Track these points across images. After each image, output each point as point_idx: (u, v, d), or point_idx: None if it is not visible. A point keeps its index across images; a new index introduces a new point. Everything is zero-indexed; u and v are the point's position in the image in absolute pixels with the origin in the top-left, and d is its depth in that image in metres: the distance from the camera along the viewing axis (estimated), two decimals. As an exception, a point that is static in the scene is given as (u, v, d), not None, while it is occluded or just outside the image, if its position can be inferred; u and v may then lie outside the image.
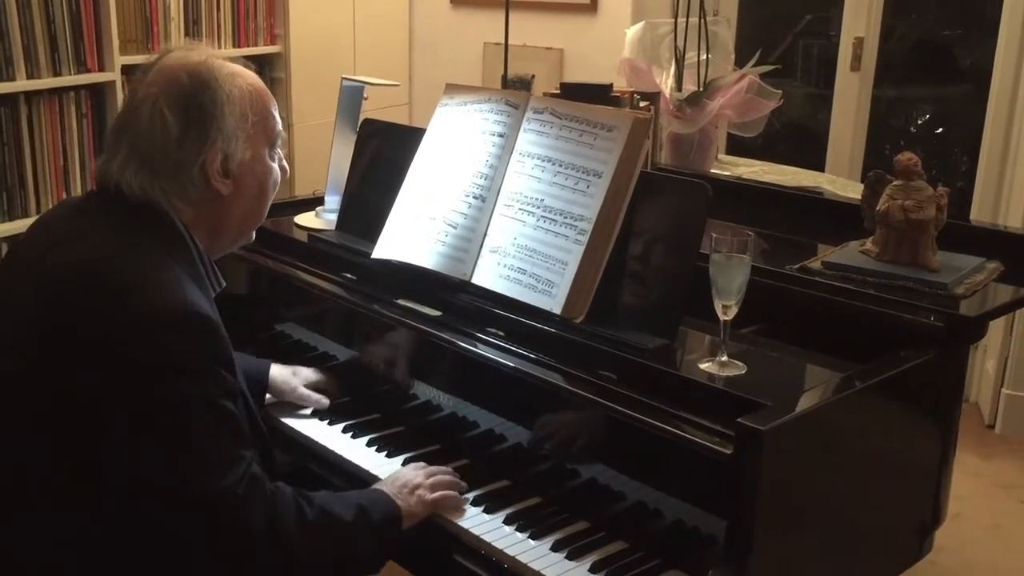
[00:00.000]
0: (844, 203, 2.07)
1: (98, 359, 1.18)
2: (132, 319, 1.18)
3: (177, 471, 1.18)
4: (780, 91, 2.37)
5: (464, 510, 1.41)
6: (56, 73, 2.75)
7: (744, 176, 2.41)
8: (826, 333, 1.49)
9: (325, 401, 1.71)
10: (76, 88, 2.83)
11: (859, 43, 3.47)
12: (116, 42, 2.90)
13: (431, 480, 1.42)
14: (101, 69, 2.89)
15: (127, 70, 3.00)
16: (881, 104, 3.84)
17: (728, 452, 1.17)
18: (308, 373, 1.75)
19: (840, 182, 2.49)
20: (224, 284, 1.40)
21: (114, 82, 2.91)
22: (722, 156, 2.74)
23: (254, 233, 1.47)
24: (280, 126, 1.41)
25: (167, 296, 1.21)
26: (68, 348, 1.19)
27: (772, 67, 2.39)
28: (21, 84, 2.66)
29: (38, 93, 2.72)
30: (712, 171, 2.41)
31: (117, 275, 1.21)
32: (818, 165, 3.60)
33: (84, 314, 1.19)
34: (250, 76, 1.38)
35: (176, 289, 1.23)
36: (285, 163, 1.44)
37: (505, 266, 1.57)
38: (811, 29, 4.34)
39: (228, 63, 1.37)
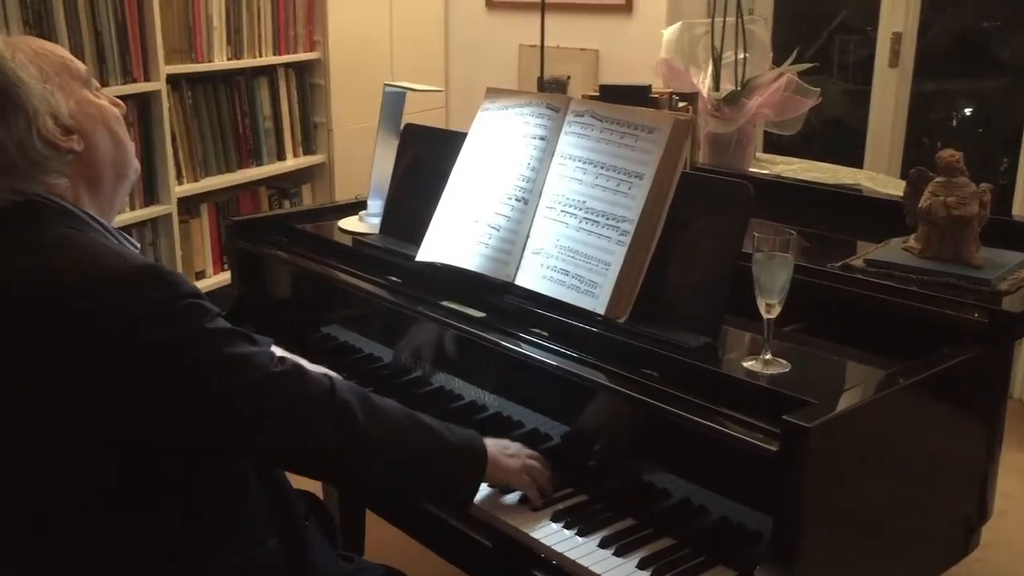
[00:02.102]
0: (884, 200, 2.06)
1: (85, 351, 1.16)
2: (99, 294, 1.16)
3: (214, 397, 1.20)
4: (819, 89, 2.37)
5: (537, 516, 1.42)
6: (104, 84, 2.81)
7: (783, 174, 2.42)
8: (869, 331, 1.50)
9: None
10: (123, 98, 2.89)
11: (897, 38, 3.45)
12: (161, 52, 2.97)
13: (528, 454, 1.46)
14: (147, 79, 2.96)
15: (172, 79, 3.07)
16: (920, 99, 3.81)
17: (774, 449, 1.18)
18: None
19: (880, 179, 2.49)
20: (139, 245, 1.40)
21: (160, 91, 2.97)
22: (760, 154, 2.74)
23: (135, 170, 1.41)
24: (77, 63, 1.34)
25: (113, 261, 1.19)
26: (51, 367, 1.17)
27: (810, 65, 2.39)
28: (70, 95, 2.72)
29: (87, 103, 2.78)
30: (750, 170, 2.42)
31: (60, 285, 1.18)
32: (856, 162, 3.59)
33: (58, 335, 1.16)
34: (22, 39, 1.33)
35: (112, 253, 1.22)
36: (116, 98, 1.38)
37: (548, 267, 1.59)
38: (847, 25, 4.31)
39: None
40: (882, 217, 1.86)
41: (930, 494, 1.46)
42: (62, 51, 1.34)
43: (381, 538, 2.02)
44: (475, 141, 1.79)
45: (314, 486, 2.28)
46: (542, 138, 1.67)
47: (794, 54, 2.43)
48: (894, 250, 1.66)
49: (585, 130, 1.62)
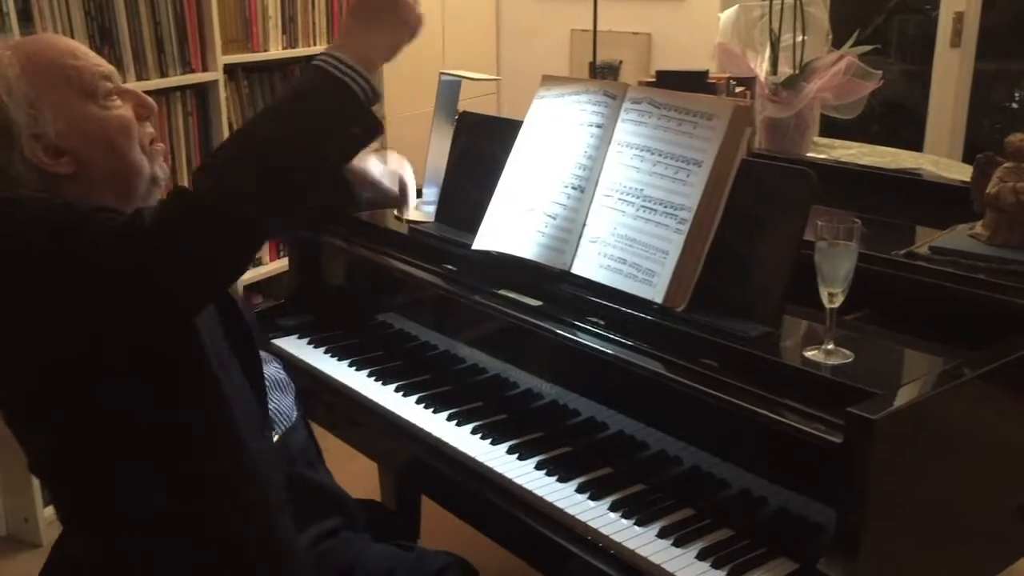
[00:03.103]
0: (948, 185, 2.02)
1: None
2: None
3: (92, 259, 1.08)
4: (880, 71, 2.32)
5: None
6: (163, 74, 2.85)
7: (842, 159, 2.37)
8: (934, 319, 1.47)
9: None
10: (182, 88, 2.93)
11: (959, 17, 3.36)
12: (218, 43, 3.00)
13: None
14: (205, 69, 2.99)
15: (229, 69, 3.10)
16: (982, 79, 3.72)
17: (838, 441, 1.17)
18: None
19: (943, 163, 2.43)
20: None
21: (217, 81, 3.01)
22: (817, 138, 2.69)
23: (162, 169, 1.33)
24: (91, 68, 1.26)
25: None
26: None
27: (871, 47, 2.34)
28: (131, 85, 2.76)
29: (147, 93, 2.82)
30: (808, 154, 2.38)
31: None
32: (915, 144, 3.51)
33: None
34: (28, 41, 1.28)
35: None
36: (144, 98, 1.30)
37: (605, 256, 1.58)
38: (906, 4, 4.22)
39: None
40: (945, 203, 1.82)
41: (996, 488, 1.43)
42: (70, 54, 1.26)
43: (438, 527, 2.03)
44: (531, 129, 1.78)
45: (372, 485, 2.30)
46: (599, 126, 1.66)
47: (855, 36, 2.38)
48: (960, 237, 1.62)
49: (643, 117, 1.61)
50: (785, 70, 2.34)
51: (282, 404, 1.55)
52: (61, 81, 1.24)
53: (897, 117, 4.28)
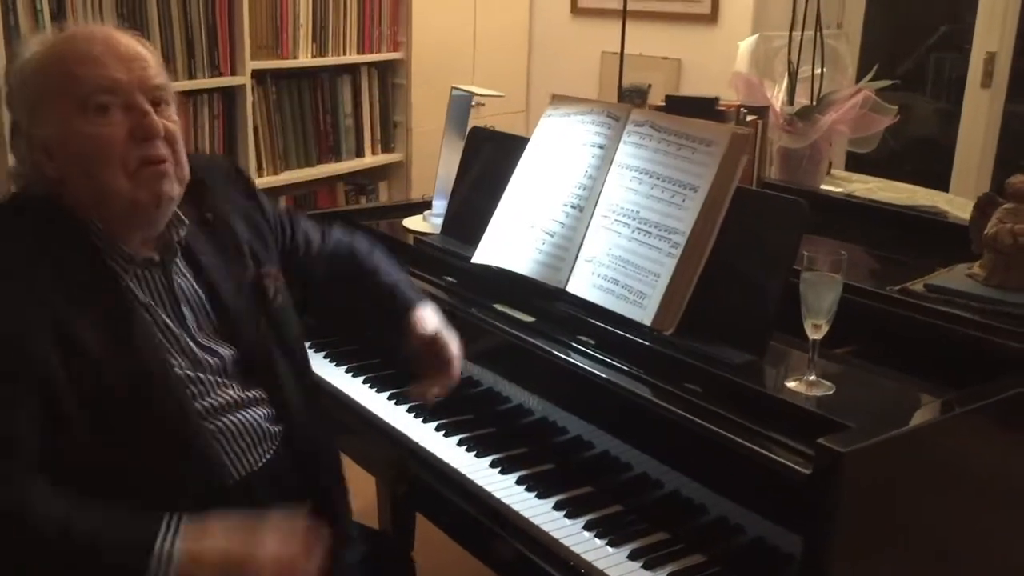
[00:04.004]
0: (958, 225, 2.00)
1: None
2: None
3: None
4: (896, 107, 2.31)
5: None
6: (191, 76, 2.91)
7: (856, 193, 2.36)
8: (925, 357, 1.46)
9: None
10: (209, 91, 2.99)
11: (990, 58, 3.34)
12: (248, 48, 3.05)
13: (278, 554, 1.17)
14: (233, 73, 3.05)
15: (257, 75, 3.15)
16: (1014, 121, 3.68)
17: (807, 472, 1.16)
18: None
19: (958, 202, 2.41)
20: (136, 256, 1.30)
21: (244, 86, 3.06)
22: (836, 171, 2.68)
23: (150, 193, 1.28)
24: (94, 79, 1.24)
25: None
26: None
27: (889, 83, 2.33)
28: (159, 86, 2.82)
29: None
30: (822, 187, 2.37)
31: None
32: (945, 183, 3.48)
33: None
34: (46, 40, 1.29)
35: None
36: (147, 120, 1.26)
37: (599, 276, 1.59)
38: (945, 42, 4.18)
39: (37, 38, 1.29)
40: (955, 242, 1.81)
41: (985, 528, 1.41)
42: (84, 59, 1.25)
43: (431, 545, 2.03)
44: (536, 147, 1.80)
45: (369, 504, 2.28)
46: (601, 146, 1.68)
47: (873, 70, 2.37)
48: (958, 276, 1.61)
49: (643, 140, 1.62)
50: (802, 101, 2.33)
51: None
52: (61, 89, 1.25)
53: (931, 155, 4.24)
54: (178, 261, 1.38)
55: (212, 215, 1.43)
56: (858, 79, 2.47)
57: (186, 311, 1.36)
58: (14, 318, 1.18)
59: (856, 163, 3.10)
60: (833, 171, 2.67)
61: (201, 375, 1.33)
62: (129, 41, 1.31)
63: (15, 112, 1.29)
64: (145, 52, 1.32)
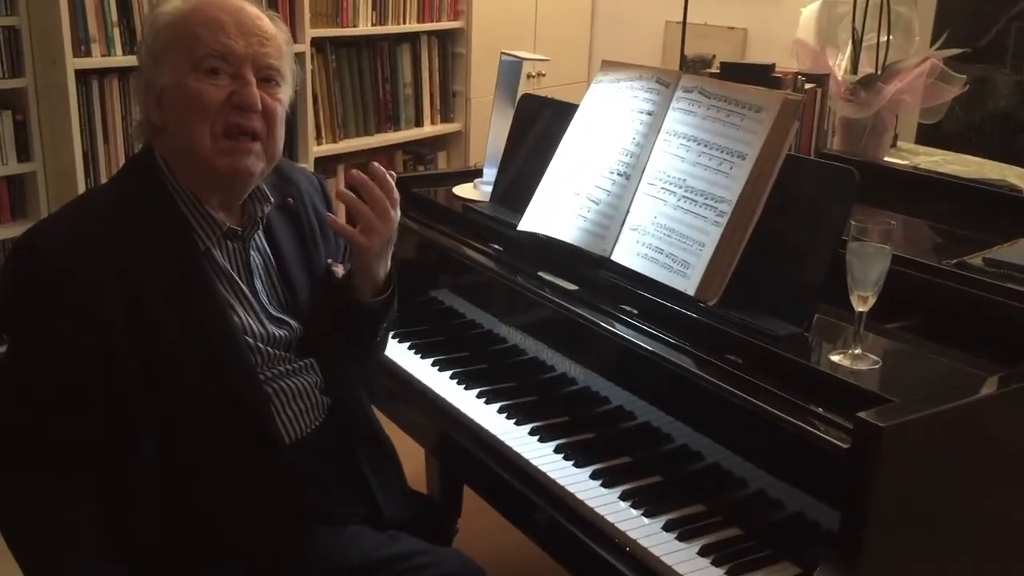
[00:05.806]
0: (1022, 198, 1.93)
1: None
2: None
3: None
4: (964, 77, 2.22)
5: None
6: (250, 44, 2.93)
7: (921, 166, 2.28)
8: (979, 333, 1.41)
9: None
10: (268, 59, 3.01)
11: (1075, 27, 3.19)
12: (307, 16, 3.07)
13: None
14: (292, 41, 3.06)
15: (316, 42, 3.17)
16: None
17: (845, 447, 1.13)
18: None
19: (1030, 176, 2.31)
20: (220, 226, 1.37)
21: (304, 53, 3.08)
22: (902, 143, 2.60)
23: (228, 162, 1.33)
24: (211, 42, 1.31)
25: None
26: None
27: (958, 51, 2.24)
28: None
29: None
30: (885, 159, 2.30)
31: None
32: (1029, 159, 3.34)
33: None
34: (188, 1, 1.35)
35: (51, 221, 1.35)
36: (244, 90, 1.31)
37: (644, 244, 1.57)
38: (1030, 10, 4.01)
39: None
40: (1021, 216, 1.74)
41: (1010, 507, 1.35)
42: (204, 24, 1.31)
43: (477, 524, 2.03)
44: (585, 114, 1.77)
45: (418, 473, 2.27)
46: (649, 113, 1.64)
47: (942, 38, 2.28)
48: (1019, 250, 1.54)
49: (692, 107, 1.58)
50: (867, 70, 2.26)
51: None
52: (182, 45, 1.32)
53: (1008, 130, 4.08)
54: (257, 236, 1.44)
55: (293, 200, 1.50)
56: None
57: (258, 284, 1.42)
58: (88, 270, 1.26)
59: (931, 137, 2.99)
60: (900, 143, 2.58)
61: (261, 344, 1.39)
62: (258, 16, 1.37)
63: (141, 57, 1.37)
64: (271, 30, 1.37)
